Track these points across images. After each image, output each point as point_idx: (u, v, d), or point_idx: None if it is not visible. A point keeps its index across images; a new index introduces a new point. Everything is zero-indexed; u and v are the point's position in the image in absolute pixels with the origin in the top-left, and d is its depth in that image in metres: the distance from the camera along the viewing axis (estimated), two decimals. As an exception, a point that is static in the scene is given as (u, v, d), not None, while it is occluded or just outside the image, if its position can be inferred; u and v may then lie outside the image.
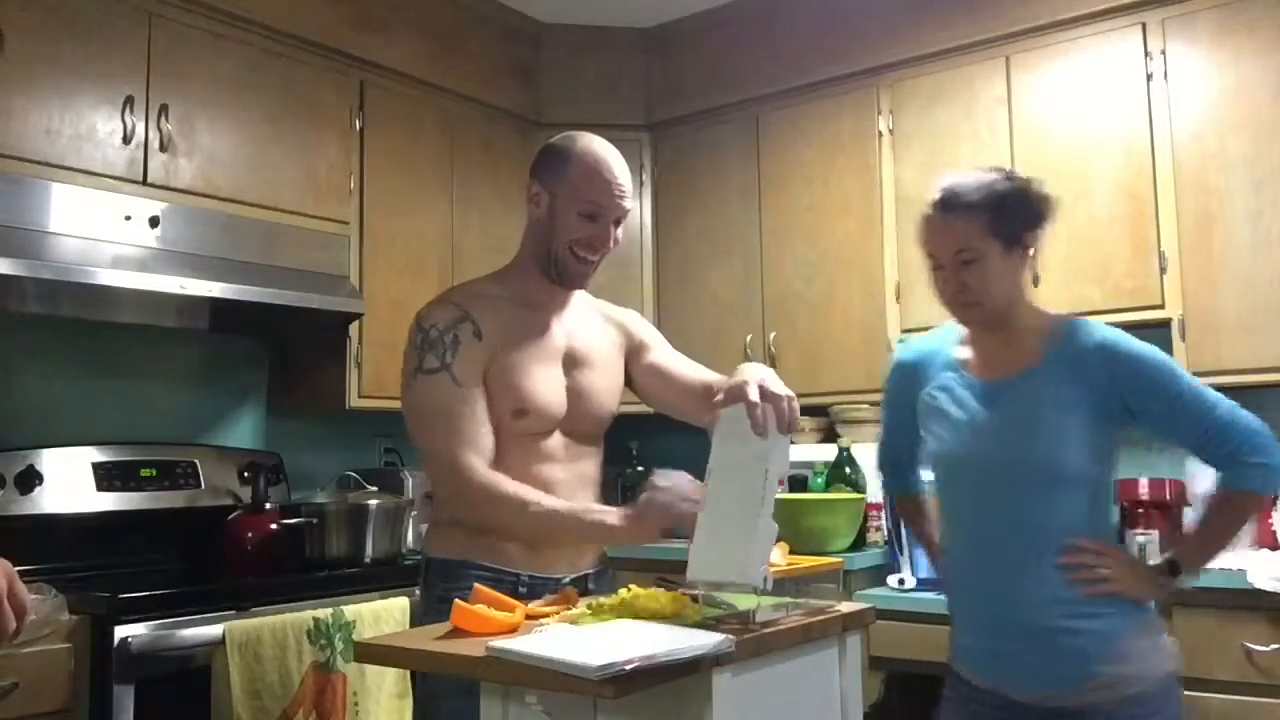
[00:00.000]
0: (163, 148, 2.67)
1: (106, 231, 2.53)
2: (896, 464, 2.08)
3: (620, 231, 1.86)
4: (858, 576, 2.88)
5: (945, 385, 1.82)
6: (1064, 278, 2.95)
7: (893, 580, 2.81)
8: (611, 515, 1.70)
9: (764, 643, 1.39)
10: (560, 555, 1.84)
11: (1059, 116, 3.01)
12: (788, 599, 1.51)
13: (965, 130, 3.17)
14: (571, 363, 1.88)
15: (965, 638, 1.80)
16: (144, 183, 2.64)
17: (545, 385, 1.83)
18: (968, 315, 1.79)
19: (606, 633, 1.37)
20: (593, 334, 1.94)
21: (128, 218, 2.58)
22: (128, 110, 2.60)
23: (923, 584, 2.78)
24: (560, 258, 1.83)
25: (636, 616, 1.50)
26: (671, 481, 1.65)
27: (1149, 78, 2.87)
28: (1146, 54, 2.88)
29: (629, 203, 1.85)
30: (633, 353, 1.99)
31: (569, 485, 1.84)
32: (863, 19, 3.39)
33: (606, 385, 1.93)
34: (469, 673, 1.38)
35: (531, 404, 1.81)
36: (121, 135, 2.59)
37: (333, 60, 3.14)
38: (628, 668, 1.17)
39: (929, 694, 2.73)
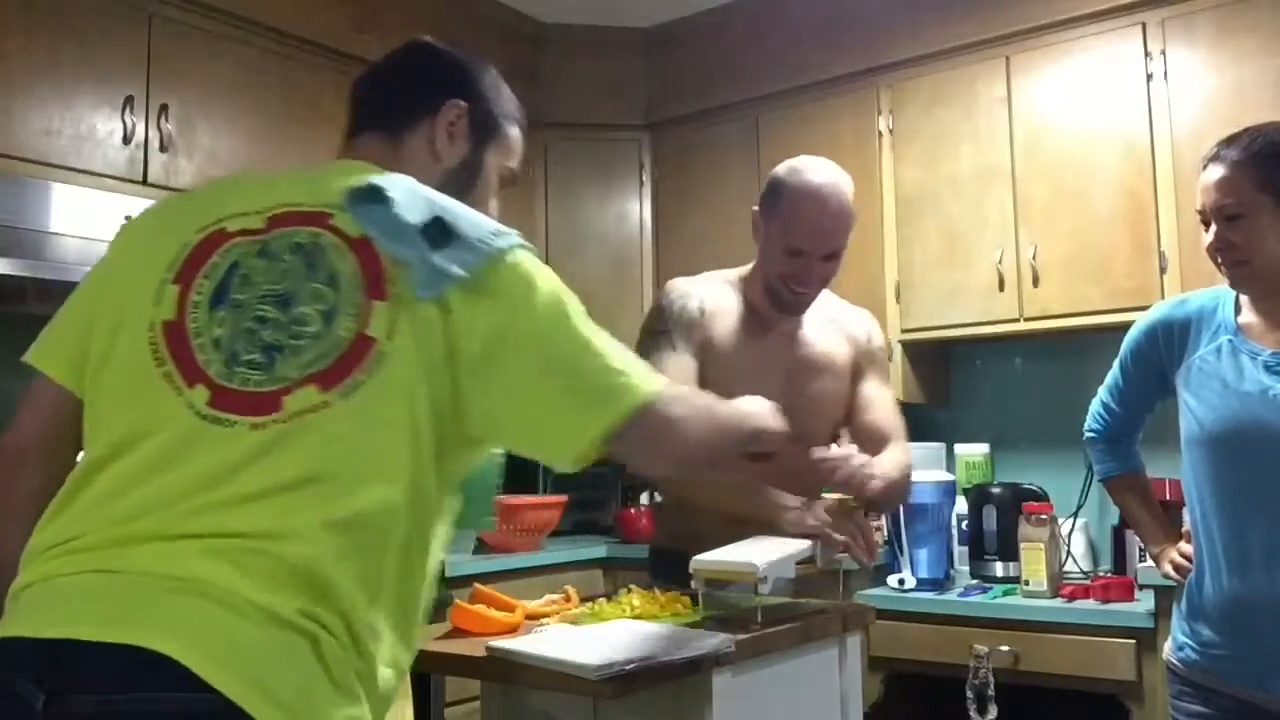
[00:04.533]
0: (163, 148, 2.67)
1: (106, 231, 2.50)
2: (1122, 437, 1.97)
3: (834, 265, 1.83)
4: (858, 576, 2.88)
5: (1222, 350, 1.71)
6: (1064, 278, 2.95)
7: (893, 580, 2.81)
8: (778, 504, 1.65)
9: (764, 643, 1.39)
10: None
11: (1059, 116, 3.01)
12: (787, 599, 1.51)
13: (965, 130, 3.17)
14: (795, 372, 1.86)
15: (1209, 635, 1.70)
16: (144, 183, 2.63)
17: (756, 387, 1.75)
18: (1237, 275, 1.68)
19: (606, 633, 1.37)
20: (822, 341, 1.91)
21: (128, 218, 2.57)
22: (128, 110, 2.60)
23: (923, 584, 2.78)
24: (774, 288, 1.85)
25: (636, 617, 1.50)
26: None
27: (1149, 78, 2.87)
28: (1146, 54, 2.88)
29: (841, 238, 1.82)
30: (854, 372, 1.95)
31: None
32: (863, 19, 3.39)
33: (831, 393, 1.90)
34: (469, 673, 1.38)
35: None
36: (121, 135, 2.59)
37: (333, 60, 3.14)
38: (628, 668, 1.17)
39: (929, 694, 2.73)
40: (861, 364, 1.95)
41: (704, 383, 1.84)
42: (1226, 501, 1.68)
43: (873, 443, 1.87)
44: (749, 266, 1.94)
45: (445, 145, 1.27)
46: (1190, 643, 1.74)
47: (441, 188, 1.21)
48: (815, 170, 1.83)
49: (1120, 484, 2.01)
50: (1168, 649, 1.82)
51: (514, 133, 1.34)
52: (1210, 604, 1.71)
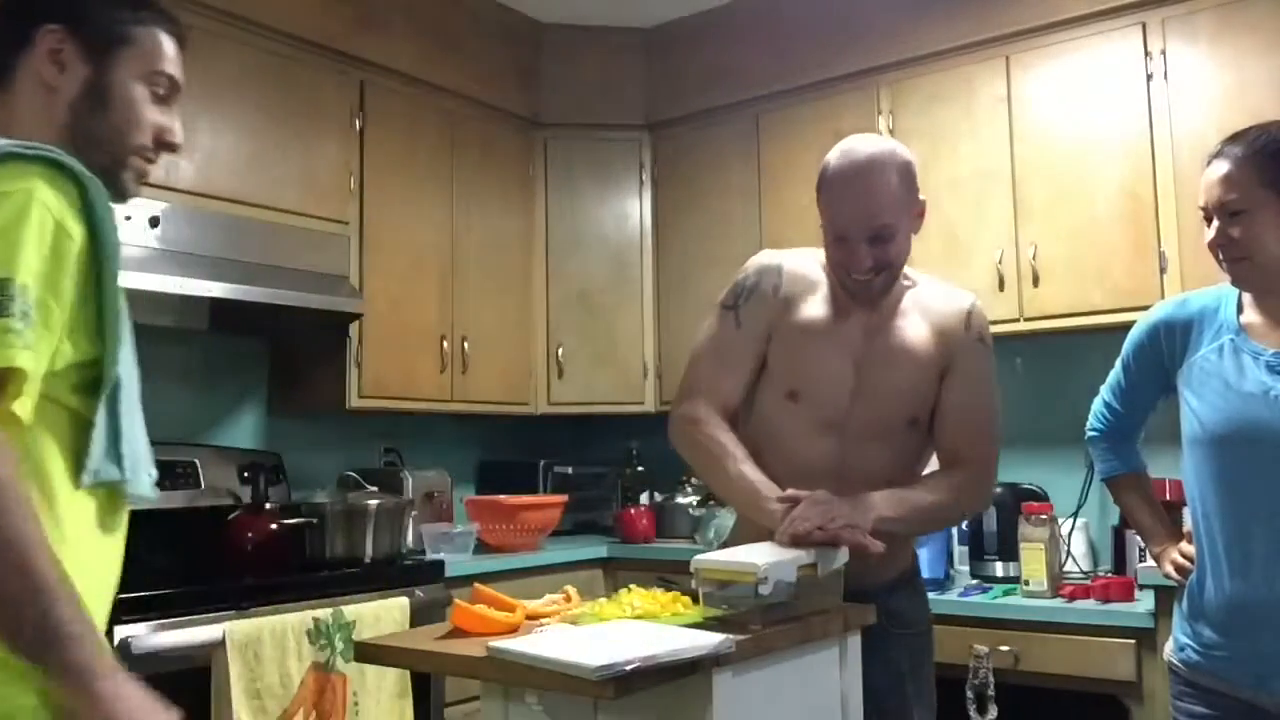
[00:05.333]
0: (163, 148, 2.67)
1: (106, 231, 2.53)
2: (1124, 436, 1.96)
3: (888, 247, 1.73)
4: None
5: (1224, 350, 1.71)
6: (1064, 278, 2.95)
7: (893, 580, 2.81)
8: (771, 508, 1.65)
9: (764, 643, 1.39)
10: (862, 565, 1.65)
11: (1059, 116, 3.01)
12: (786, 599, 1.50)
13: (965, 130, 3.17)
14: (867, 362, 1.80)
15: (1210, 636, 1.70)
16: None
17: (823, 372, 1.79)
18: (1237, 272, 1.68)
19: (606, 633, 1.37)
20: (905, 332, 1.81)
21: (127, 218, 2.57)
22: (128, 110, 2.60)
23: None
24: (837, 275, 1.80)
25: (636, 617, 1.50)
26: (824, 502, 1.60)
27: (1149, 78, 2.87)
28: (1146, 54, 2.88)
29: (878, 220, 1.71)
30: (943, 366, 1.82)
31: (838, 483, 1.72)
32: (863, 19, 3.39)
33: (906, 387, 1.80)
34: (469, 673, 1.38)
35: (802, 387, 1.79)
36: (121, 135, 2.59)
37: (333, 60, 3.14)
38: (628, 668, 1.17)
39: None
40: (955, 357, 1.81)
41: (777, 365, 1.82)
42: (1228, 502, 1.68)
43: (944, 459, 1.83)
44: None
45: (56, 76, 1.20)
46: (1191, 643, 1.74)
47: (74, 119, 1.19)
48: (850, 151, 1.76)
49: (1122, 483, 2.01)
50: (1168, 649, 1.82)
51: (147, 34, 1.25)
52: (1211, 604, 1.71)
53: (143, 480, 1.22)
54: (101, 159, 1.18)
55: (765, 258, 1.89)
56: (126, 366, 1.18)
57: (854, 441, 1.79)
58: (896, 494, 1.72)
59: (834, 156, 1.78)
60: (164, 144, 1.31)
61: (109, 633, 2.14)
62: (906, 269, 1.86)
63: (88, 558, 1.14)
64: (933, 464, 1.91)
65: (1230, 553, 1.67)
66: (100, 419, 1.14)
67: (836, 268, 1.80)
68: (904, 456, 1.85)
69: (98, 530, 1.17)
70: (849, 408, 1.79)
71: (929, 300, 1.86)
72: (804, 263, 1.87)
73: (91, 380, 1.14)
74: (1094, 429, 2.01)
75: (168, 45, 1.28)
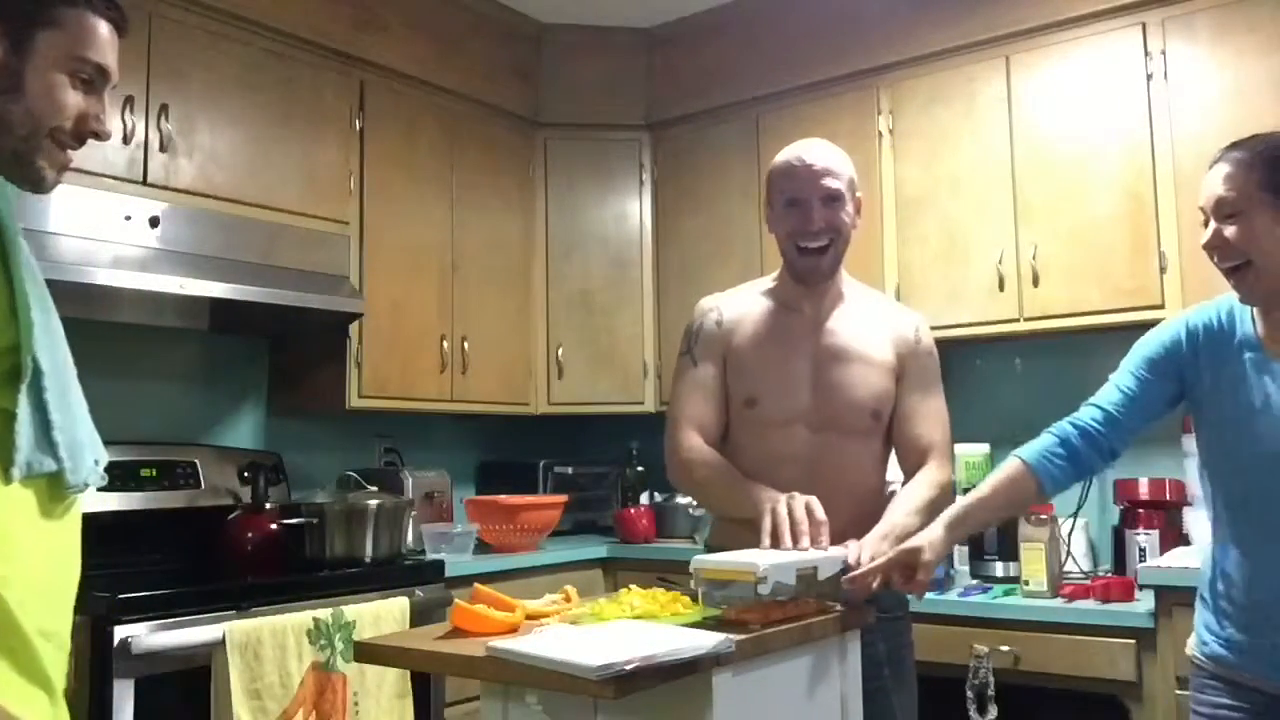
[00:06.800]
0: (163, 148, 2.67)
1: (106, 231, 2.53)
2: (1100, 446, 1.77)
3: (838, 211, 1.89)
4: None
5: (1247, 365, 1.69)
6: (1064, 278, 2.95)
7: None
8: (756, 495, 1.75)
9: (764, 643, 1.39)
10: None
11: (1059, 116, 3.01)
12: (785, 598, 1.51)
13: (965, 130, 3.17)
14: (824, 359, 1.91)
15: (1234, 630, 1.69)
16: (144, 183, 2.63)
17: (777, 376, 1.90)
18: (1240, 281, 1.66)
19: (606, 633, 1.37)
20: (855, 330, 1.94)
21: (128, 218, 2.58)
22: (127, 110, 2.60)
23: (923, 584, 2.78)
24: (787, 255, 1.93)
25: (636, 617, 1.50)
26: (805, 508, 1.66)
27: (1149, 78, 2.87)
28: (1146, 54, 2.88)
29: (830, 181, 1.87)
30: (899, 371, 1.95)
31: (809, 476, 1.80)
32: (862, 19, 3.39)
33: (864, 382, 1.90)
34: (469, 673, 1.38)
35: (759, 392, 1.90)
36: (121, 135, 2.59)
37: (333, 60, 3.14)
38: (628, 668, 1.17)
39: (929, 694, 2.72)
40: (906, 365, 1.95)
41: (734, 382, 1.94)
42: (1254, 515, 1.66)
43: (914, 457, 1.92)
44: (773, 275, 2.03)
45: None
46: (1215, 638, 1.73)
47: None
48: (800, 141, 1.96)
49: (1016, 474, 1.76)
50: (1191, 644, 1.80)
51: (75, 17, 1.19)
52: (1236, 600, 1.69)
53: (86, 467, 1.18)
54: (13, 143, 1.13)
55: (704, 302, 2.05)
56: (49, 352, 1.14)
57: (821, 434, 1.88)
58: (912, 510, 1.79)
59: (787, 148, 1.95)
60: (88, 132, 1.24)
61: (107, 630, 2.14)
62: (847, 276, 1.99)
63: (29, 551, 1.10)
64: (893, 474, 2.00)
65: (1256, 555, 1.66)
66: (24, 410, 1.10)
67: (789, 242, 1.91)
68: (870, 451, 1.94)
69: (41, 520, 1.13)
70: (811, 402, 1.89)
71: (875, 307, 2.01)
72: (740, 293, 2.04)
73: (9, 370, 1.10)
74: (1072, 422, 1.79)
75: (100, 30, 1.22)
